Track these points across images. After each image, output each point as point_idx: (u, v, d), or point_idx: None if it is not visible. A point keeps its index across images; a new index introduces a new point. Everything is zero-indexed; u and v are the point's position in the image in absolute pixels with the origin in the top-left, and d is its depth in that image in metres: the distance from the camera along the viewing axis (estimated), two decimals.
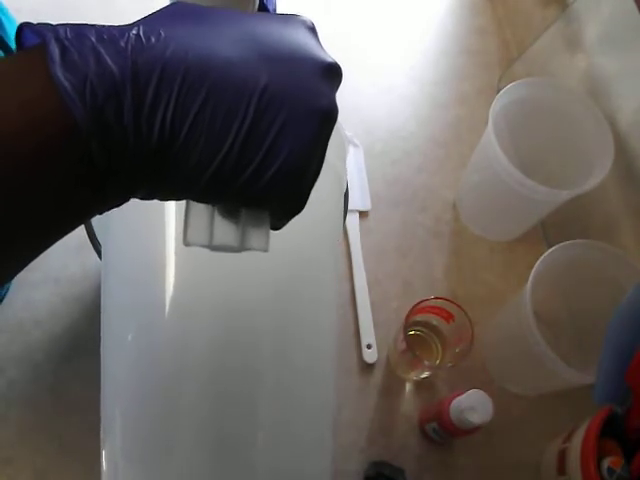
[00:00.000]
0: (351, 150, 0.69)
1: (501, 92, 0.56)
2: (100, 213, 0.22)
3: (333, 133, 0.23)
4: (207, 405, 0.33)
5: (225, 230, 0.23)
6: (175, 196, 0.22)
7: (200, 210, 0.23)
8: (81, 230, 0.45)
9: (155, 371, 0.33)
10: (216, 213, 0.23)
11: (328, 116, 0.22)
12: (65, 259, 0.59)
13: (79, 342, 0.56)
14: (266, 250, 0.24)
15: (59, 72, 0.19)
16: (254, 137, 0.20)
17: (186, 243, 0.23)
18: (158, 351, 0.33)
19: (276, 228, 0.25)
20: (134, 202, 0.30)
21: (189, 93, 0.20)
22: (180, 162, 0.20)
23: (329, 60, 0.23)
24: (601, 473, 0.45)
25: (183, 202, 0.24)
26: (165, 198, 0.23)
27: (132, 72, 0.19)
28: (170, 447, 0.32)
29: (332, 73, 0.23)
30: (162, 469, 0.32)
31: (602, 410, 0.48)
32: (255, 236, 0.23)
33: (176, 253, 0.34)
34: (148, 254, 0.35)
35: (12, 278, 0.22)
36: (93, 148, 0.19)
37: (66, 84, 0.19)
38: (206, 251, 0.24)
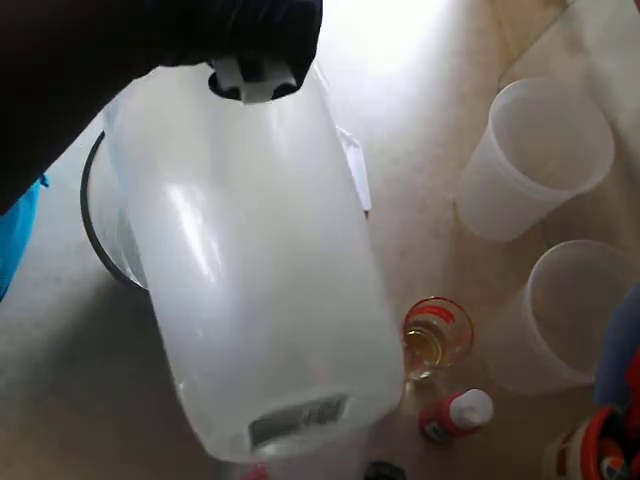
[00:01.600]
0: (351, 150, 0.69)
1: (501, 92, 0.56)
2: (139, 76, 0.25)
3: None
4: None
5: (252, 75, 0.26)
6: (205, 52, 0.25)
7: (228, 64, 0.26)
8: (81, 230, 0.45)
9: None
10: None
11: None
12: (65, 259, 0.59)
13: (79, 342, 0.56)
14: (297, 87, 0.27)
15: None
16: None
17: (222, 88, 0.26)
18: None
19: (294, 89, 0.27)
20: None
21: None
22: (206, 11, 0.24)
23: None
24: (601, 473, 0.45)
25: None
26: (195, 58, 0.25)
27: None
28: None
29: None
30: None
31: (602, 410, 0.48)
32: (281, 78, 0.26)
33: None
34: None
35: (68, 144, 0.25)
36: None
37: None
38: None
